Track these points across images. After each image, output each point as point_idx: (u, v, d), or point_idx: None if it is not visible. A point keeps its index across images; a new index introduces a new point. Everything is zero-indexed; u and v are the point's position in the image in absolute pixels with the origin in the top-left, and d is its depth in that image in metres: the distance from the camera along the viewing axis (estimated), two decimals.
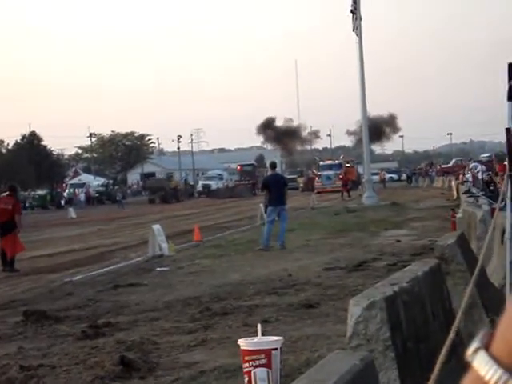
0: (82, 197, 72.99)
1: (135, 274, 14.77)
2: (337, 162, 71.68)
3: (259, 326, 2.40)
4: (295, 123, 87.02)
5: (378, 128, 77.92)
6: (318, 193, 56.26)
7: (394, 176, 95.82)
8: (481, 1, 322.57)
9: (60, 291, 13.14)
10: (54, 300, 12.10)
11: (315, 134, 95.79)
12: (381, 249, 16.27)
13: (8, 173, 69.55)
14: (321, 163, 72.37)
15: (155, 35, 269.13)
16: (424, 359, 4.16)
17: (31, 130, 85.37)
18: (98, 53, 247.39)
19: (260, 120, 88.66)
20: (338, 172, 64.39)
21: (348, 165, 69.79)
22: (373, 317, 3.99)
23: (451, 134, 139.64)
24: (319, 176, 67.38)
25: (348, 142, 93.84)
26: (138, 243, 21.64)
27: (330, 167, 68.04)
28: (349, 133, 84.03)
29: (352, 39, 40.05)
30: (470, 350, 0.77)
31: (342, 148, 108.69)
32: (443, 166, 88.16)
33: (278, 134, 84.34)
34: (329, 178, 64.90)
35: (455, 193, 35.51)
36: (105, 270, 15.92)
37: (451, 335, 1.02)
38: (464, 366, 0.80)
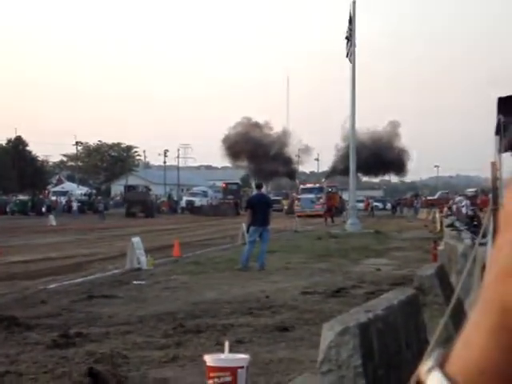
0: (74, 205, 71.80)
1: (111, 286, 14.61)
2: (317, 185, 69.77)
3: (227, 343, 2.32)
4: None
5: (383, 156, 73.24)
6: (298, 216, 55.61)
7: (379, 205, 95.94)
8: (474, 37, 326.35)
9: (33, 298, 12.96)
10: (27, 307, 11.92)
11: (307, 150, 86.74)
12: (361, 276, 16.21)
13: None
14: (301, 186, 70.39)
15: (152, 37, 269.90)
16: None
17: (17, 135, 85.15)
18: (89, 59, 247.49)
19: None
20: (319, 196, 63.75)
21: (330, 190, 69.04)
22: (345, 343, 3.92)
23: (438, 166, 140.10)
24: (299, 199, 65.92)
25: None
26: (116, 255, 21.46)
27: (310, 191, 66.41)
28: (337, 149, 76.98)
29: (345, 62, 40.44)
30: (423, 369, 0.73)
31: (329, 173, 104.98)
32: (429, 198, 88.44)
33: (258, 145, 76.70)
34: (309, 201, 64.03)
35: (439, 225, 35.56)
36: (81, 280, 15.74)
37: (421, 364, 0.95)
38: None
